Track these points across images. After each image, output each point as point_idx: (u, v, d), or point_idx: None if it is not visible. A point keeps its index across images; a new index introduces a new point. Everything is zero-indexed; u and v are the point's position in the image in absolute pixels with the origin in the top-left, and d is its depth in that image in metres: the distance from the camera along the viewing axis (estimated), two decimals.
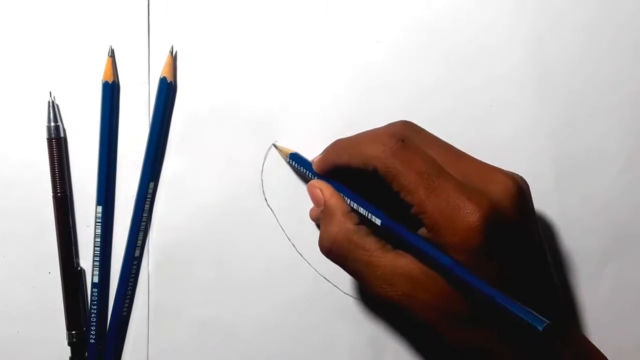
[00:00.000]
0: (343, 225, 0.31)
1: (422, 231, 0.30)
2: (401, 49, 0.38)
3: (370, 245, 0.30)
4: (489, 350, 0.30)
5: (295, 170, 0.38)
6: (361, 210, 0.32)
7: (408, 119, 0.33)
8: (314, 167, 0.35)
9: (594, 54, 0.39)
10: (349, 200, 0.32)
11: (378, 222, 0.31)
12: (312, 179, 0.35)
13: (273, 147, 0.38)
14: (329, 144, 0.34)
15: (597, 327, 0.38)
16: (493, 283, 0.27)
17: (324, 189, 0.33)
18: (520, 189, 0.30)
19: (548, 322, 0.25)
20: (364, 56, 0.38)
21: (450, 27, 0.38)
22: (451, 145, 0.32)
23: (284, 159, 0.38)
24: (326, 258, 0.32)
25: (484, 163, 0.31)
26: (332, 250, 0.32)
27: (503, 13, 0.39)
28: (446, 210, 0.28)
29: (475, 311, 0.29)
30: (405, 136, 0.31)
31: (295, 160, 0.37)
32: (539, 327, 0.25)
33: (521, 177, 0.31)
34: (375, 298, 0.31)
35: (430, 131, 0.33)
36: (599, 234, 0.39)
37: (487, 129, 0.38)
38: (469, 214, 0.28)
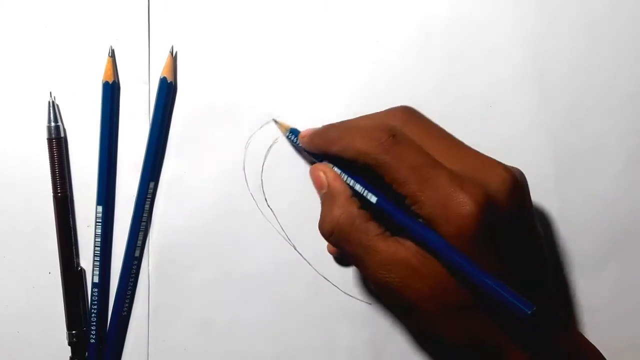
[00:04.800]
0: (346, 208, 0.31)
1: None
2: (401, 50, 0.38)
3: (372, 229, 0.30)
4: (487, 341, 0.30)
5: (294, 147, 0.38)
6: (357, 187, 0.32)
7: None
8: (301, 141, 0.35)
9: (594, 54, 0.39)
10: (349, 180, 0.32)
11: (374, 199, 0.31)
12: (308, 156, 0.35)
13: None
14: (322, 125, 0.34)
15: (596, 326, 0.38)
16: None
17: (328, 172, 0.33)
18: (516, 182, 0.30)
19: (534, 307, 0.25)
20: (364, 57, 0.38)
21: (450, 28, 0.38)
22: (451, 135, 0.32)
23: (283, 134, 0.37)
24: (322, 254, 0.32)
25: (483, 155, 0.31)
26: (333, 232, 0.31)
27: (503, 13, 0.39)
28: (440, 200, 0.28)
29: (473, 301, 0.29)
30: (397, 129, 0.31)
31: (296, 136, 0.36)
32: (528, 311, 0.25)
33: (519, 171, 0.31)
34: (372, 284, 0.31)
35: None
36: (599, 233, 0.39)
37: (487, 129, 0.38)
38: (463, 203, 0.28)
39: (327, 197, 0.33)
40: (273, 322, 0.38)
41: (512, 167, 0.30)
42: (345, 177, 0.32)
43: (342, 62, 0.38)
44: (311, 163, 0.37)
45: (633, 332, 0.38)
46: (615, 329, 0.38)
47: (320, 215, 0.32)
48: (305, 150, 0.36)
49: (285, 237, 0.38)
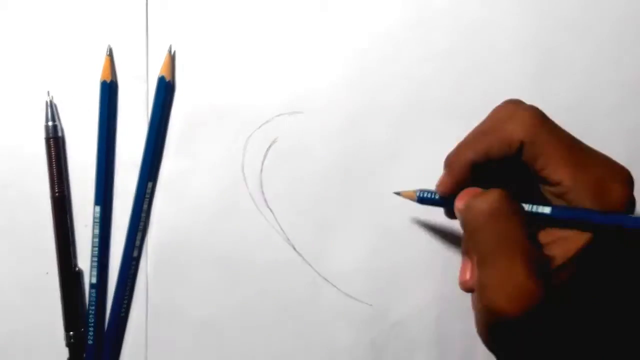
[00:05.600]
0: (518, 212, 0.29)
1: None
2: (400, 48, 0.38)
3: (528, 246, 0.28)
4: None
5: (432, 204, 0.34)
6: (526, 206, 0.30)
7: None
8: (439, 188, 0.32)
9: (594, 54, 0.39)
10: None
11: (547, 210, 0.29)
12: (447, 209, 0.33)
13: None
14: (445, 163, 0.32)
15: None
16: None
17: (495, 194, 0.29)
18: (632, 179, 0.29)
19: None
20: (363, 55, 0.38)
21: (451, 27, 0.38)
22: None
23: (413, 200, 0.34)
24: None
25: (599, 152, 0.30)
26: (491, 217, 0.28)
27: (503, 12, 0.38)
28: (594, 188, 0.28)
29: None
30: (538, 111, 0.30)
31: (425, 199, 0.33)
32: None
33: None
34: (484, 298, 0.28)
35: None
36: None
37: None
38: (616, 193, 0.28)
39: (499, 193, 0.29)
40: (272, 322, 0.38)
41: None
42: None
43: (341, 61, 0.38)
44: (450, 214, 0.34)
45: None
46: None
47: (485, 195, 0.29)
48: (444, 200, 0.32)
49: (285, 237, 0.38)
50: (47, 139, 0.37)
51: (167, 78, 0.37)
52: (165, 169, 0.38)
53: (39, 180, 0.37)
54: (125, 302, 0.37)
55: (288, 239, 0.38)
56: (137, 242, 0.37)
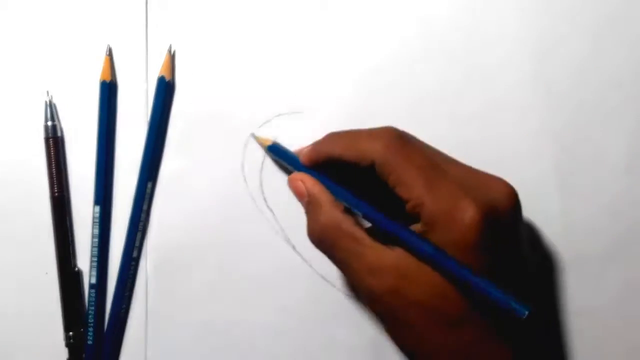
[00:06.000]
0: (331, 213, 0.31)
1: (417, 227, 0.30)
2: (403, 52, 0.38)
3: (358, 234, 0.30)
4: (473, 355, 0.29)
5: (276, 162, 0.37)
6: (345, 204, 0.32)
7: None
8: (303, 157, 0.34)
9: (596, 56, 0.39)
10: (337, 194, 0.32)
11: (359, 213, 0.31)
12: (292, 171, 0.35)
13: (252, 137, 0.37)
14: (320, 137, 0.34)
15: (601, 329, 0.38)
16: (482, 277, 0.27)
17: (306, 179, 0.33)
18: (517, 197, 0.30)
19: (530, 309, 0.26)
20: (365, 57, 0.38)
21: (451, 29, 0.38)
22: (442, 152, 0.32)
23: (263, 149, 0.37)
24: (322, 254, 0.32)
25: (478, 169, 0.31)
26: (322, 238, 0.31)
27: (507, 16, 0.38)
28: (445, 206, 0.28)
29: (466, 313, 0.28)
30: (404, 133, 0.31)
31: (275, 152, 0.36)
32: (525, 312, 0.26)
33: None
34: (359, 292, 0.31)
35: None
36: (602, 236, 0.38)
37: (489, 131, 0.38)
38: (467, 211, 0.28)
39: (310, 206, 0.33)
40: (272, 322, 0.38)
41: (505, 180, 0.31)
42: (332, 189, 0.32)
43: (341, 62, 0.38)
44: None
45: (638, 335, 0.38)
46: (619, 331, 0.38)
47: (307, 225, 0.32)
48: (292, 166, 0.35)
49: (285, 237, 0.38)
50: (47, 139, 0.37)
51: (167, 78, 0.37)
52: (165, 169, 0.38)
53: (39, 180, 0.37)
54: (125, 302, 0.37)
55: (288, 239, 0.38)
56: (137, 242, 0.37)
